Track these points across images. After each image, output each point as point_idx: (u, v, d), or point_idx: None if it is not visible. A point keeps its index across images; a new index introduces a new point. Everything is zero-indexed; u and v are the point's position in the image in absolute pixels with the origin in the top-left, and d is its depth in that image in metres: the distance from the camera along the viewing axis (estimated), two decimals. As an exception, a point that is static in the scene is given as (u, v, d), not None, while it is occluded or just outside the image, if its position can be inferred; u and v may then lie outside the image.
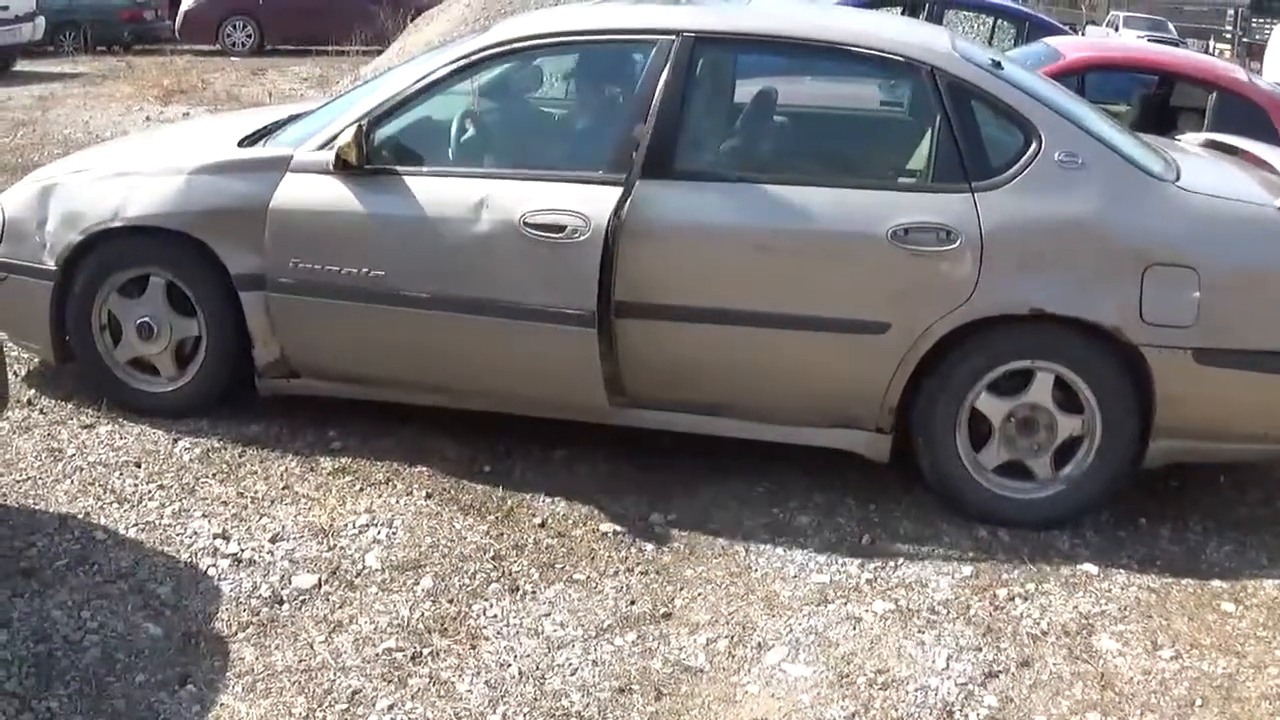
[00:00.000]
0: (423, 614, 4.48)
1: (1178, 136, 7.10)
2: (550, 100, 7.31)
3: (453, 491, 5.36)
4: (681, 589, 4.75)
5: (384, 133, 5.57)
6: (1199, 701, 4.20)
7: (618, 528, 5.15)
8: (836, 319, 5.19)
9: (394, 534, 4.99)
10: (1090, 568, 5.03)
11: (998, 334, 5.17)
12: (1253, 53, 38.85)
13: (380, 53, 17.09)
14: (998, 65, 5.51)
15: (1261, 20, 41.95)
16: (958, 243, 5.07)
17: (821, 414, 5.40)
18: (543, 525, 5.14)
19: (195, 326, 5.78)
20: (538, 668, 4.21)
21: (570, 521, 5.18)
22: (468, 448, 5.74)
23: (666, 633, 4.46)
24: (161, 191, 5.68)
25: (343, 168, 5.43)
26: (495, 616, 4.49)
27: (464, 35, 6.69)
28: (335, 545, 4.89)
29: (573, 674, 4.19)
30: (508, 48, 5.71)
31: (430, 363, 5.57)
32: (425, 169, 5.56)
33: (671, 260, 5.26)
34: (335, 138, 5.50)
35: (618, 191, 5.19)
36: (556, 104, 7.24)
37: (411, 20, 17.98)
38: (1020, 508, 5.31)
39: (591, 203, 5.19)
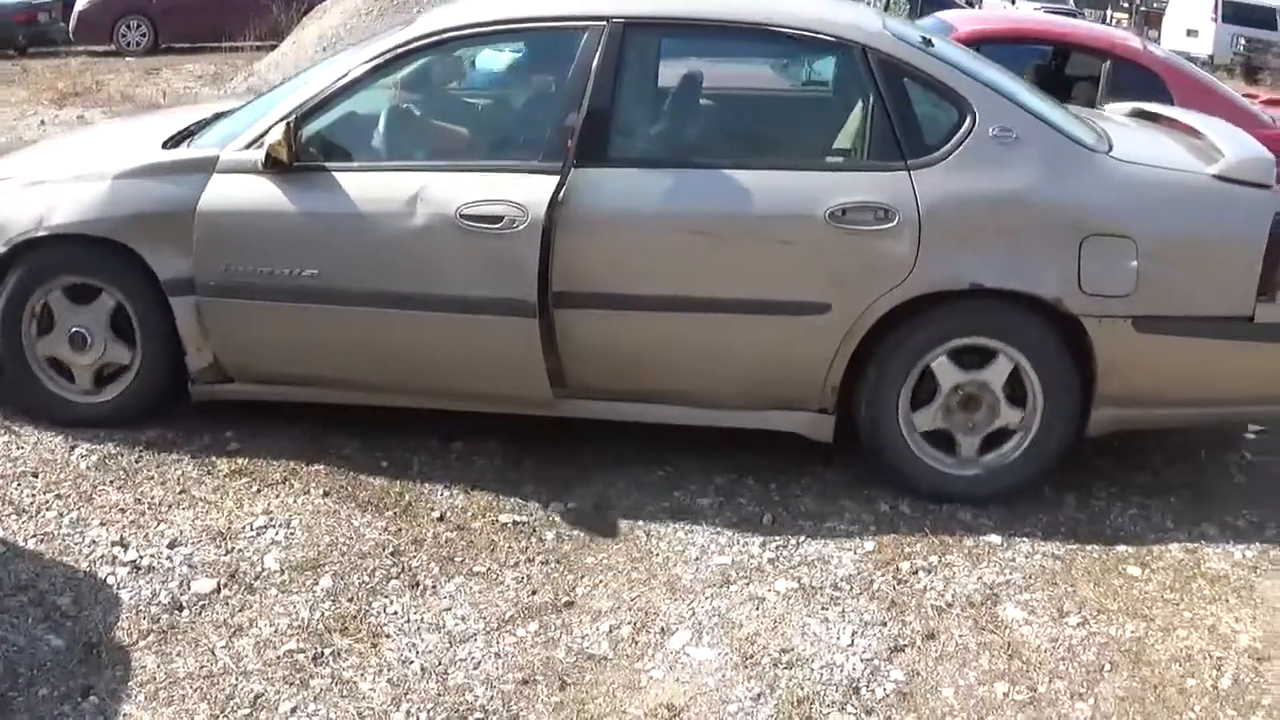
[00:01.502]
0: (323, 614, 4.43)
1: (1103, 107, 7.16)
2: (482, 90, 7.27)
3: (350, 489, 5.31)
4: (583, 577, 4.73)
5: (313, 129, 5.49)
6: (1108, 666, 4.24)
7: (517, 518, 5.12)
8: (777, 301, 5.19)
9: (292, 534, 4.94)
10: (994, 538, 5.06)
11: (939, 311, 5.20)
12: (1150, 21, 39.30)
13: (275, 47, 16.95)
14: (929, 43, 5.54)
15: (1159, -12, 42.38)
16: (895, 221, 5.08)
17: (765, 397, 5.41)
18: (441, 519, 5.10)
19: (127, 354, 5.70)
20: (440, 663, 4.18)
21: (469, 514, 5.15)
22: (365, 444, 5.69)
23: (569, 621, 4.44)
24: (86, 198, 5.56)
25: (273, 166, 5.33)
26: (396, 613, 4.45)
27: (385, 28, 6.59)
28: (233, 548, 4.83)
29: (476, 668, 4.17)
30: (436, 39, 5.62)
31: (369, 361, 5.50)
32: (357, 164, 5.52)
33: (609, 248, 5.24)
34: (263, 136, 5.40)
35: (554, 180, 5.15)
36: (488, 94, 7.19)
37: (305, 13, 17.86)
38: (937, 479, 5.37)
39: (528, 192, 5.15)
